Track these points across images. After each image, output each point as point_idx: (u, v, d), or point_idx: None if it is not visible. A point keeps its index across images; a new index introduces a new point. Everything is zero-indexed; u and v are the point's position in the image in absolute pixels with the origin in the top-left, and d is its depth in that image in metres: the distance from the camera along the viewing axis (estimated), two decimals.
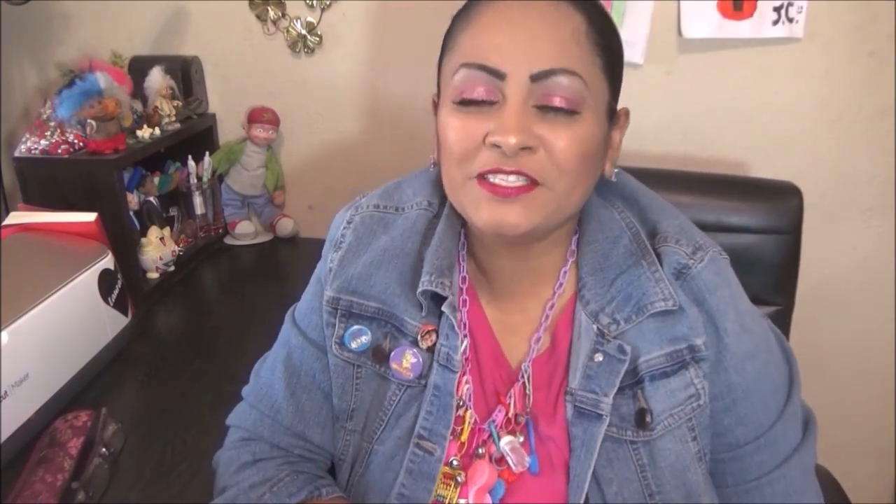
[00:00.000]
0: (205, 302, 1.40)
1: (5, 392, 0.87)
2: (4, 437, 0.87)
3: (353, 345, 0.74)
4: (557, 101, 0.61)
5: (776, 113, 1.34)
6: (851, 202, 1.37)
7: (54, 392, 0.97)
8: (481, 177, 0.63)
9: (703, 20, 1.28)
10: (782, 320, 1.08)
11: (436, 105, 0.72)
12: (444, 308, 0.70)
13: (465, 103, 0.64)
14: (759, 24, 1.27)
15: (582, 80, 0.62)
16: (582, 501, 0.65)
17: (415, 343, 0.72)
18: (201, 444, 0.93)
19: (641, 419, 0.66)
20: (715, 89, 1.34)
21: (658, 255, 0.69)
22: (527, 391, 0.70)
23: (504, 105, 0.62)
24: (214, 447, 0.81)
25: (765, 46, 1.29)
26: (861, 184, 1.35)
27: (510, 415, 0.70)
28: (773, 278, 1.07)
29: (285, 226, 1.58)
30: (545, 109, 0.62)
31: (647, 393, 0.67)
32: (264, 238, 1.59)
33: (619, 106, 0.69)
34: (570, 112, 0.62)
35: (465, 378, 0.71)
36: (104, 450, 0.88)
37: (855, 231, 1.38)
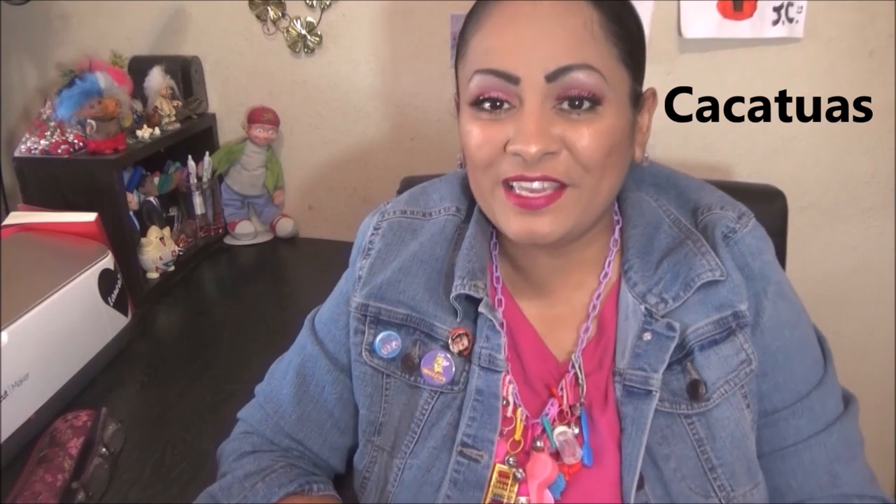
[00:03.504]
0: (205, 302, 1.40)
1: (5, 392, 0.87)
2: (4, 437, 0.87)
3: (384, 351, 0.72)
4: (576, 94, 0.60)
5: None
6: (851, 202, 1.37)
7: (54, 392, 0.97)
8: (507, 185, 0.63)
9: (703, 20, 1.28)
10: None
11: (458, 104, 0.71)
12: (481, 308, 0.69)
13: (480, 105, 0.63)
14: (759, 24, 1.27)
15: (599, 73, 0.60)
16: (636, 479, 0.63)
17: (446, 347, 0.71)
18: (201, 444, 0.93)
19: (695, 391, 0.65)
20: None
21: (705, 227, 0.69)
22: (579, 381, 0.69)
23: (522, 110, 0.61)
24: (214, 447, 0.81)
25: (765, 46, 1.29)
26: (861, 184, 1.35)
27: (564, 407, 0.69)
28: None
29: (285, 226, 1.58)
30: (564, 108, 0.61)
31: (699, 363, 0.66)
32: (264, 238, 1.59)
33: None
34: (589, 107, 0.61)
35: (507, 378, 0.69)
36: (104, 450, 0.88)
37: (855, 231, 1.38)
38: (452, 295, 0.70)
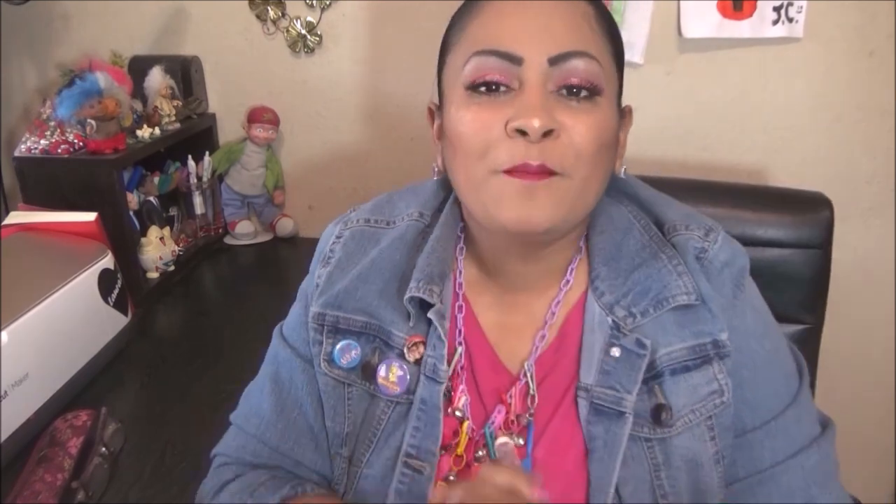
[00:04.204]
0: (205, 302, 1.40)
1: (5, 392, 0.87)
2: (4, 436, 0.87)
3: (344, 361, 0.70)
4: (577, 81, 0.59)
5: (776, 113, 1.34)
6: (851, 202, 1.37)
7: (54, 392, 0.97)
8: (505, 171, 0.60)
9: (703, 20, 1.28)
10: (811, 340, 1.02)
11: (432, 113, 0.70)
12: (430, 315, 0.67)
13: (478, 88, 0.61)
14: (759, 24, 1.27)
15: (599, 63, 0.60)
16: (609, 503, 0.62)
17: (401, 356, 0.68)
18: (201, 444, 0.93)
19: (659, 415, 0.63)
20: (715, 89, 1.34)
21: (674, 248, 0.67)
22: (530, 391, 0.67)
23: (523, 90, 0.59)
24: (214, 447, 0.81)
25: (765, 46, 1.29)
26: (861, 184, 1.35)
27: (511, 416, 0.66)
28: (801, 295, 1.01)
29: (285, 226, 1.58)
30: (564, 94, 0.60)
31: (667, 388, 0.64)
32: (264, 238, 1.59)
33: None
34: (589, 94, 0.60)
35: (460, 388, 0.68)
36: (104, 449, 0.88)
37: (855, 231, 1.38)
38: (406, 297, 0.67)
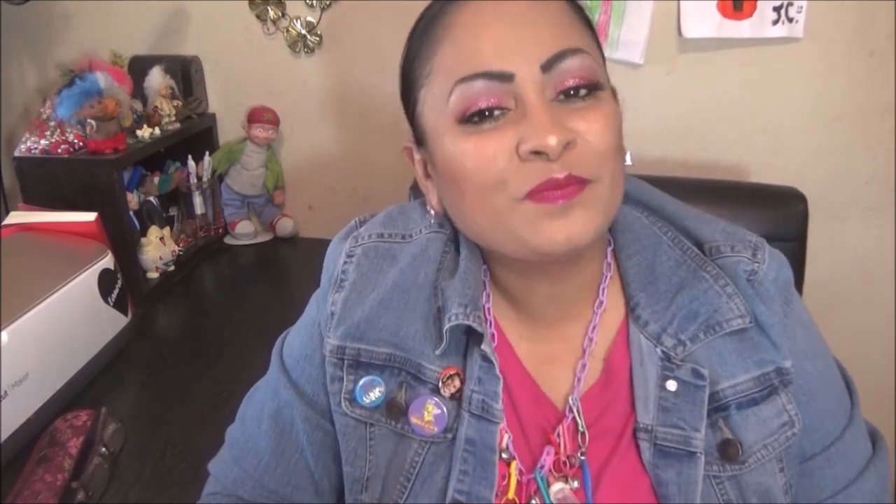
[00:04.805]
0: (205, 302, 1.40)
1: (5, 392, 0.87)
2: (4, 436, 0.87)
3: (366, 399, 0.63)
4: (576, 81, 0.55)
5: (776, 113, 1.34)
6: (851, 202, 1.37)
7: (54, 392, 0.97)
8: (534, 194, 0.54)
9: (703, 20, 1.28)
10: None
11: (410, 152, 0.64)
12: (484, 347, 0.60)
13: (473, 119, 0.55)
14: (759, 24, 1.27)
15: (590, 55, 0.56)
16: None
17: (436, 391, 0.62)
18: (201, 444, 0.93)
19: (728, 451, 0.58)
20: (715, 89, 1.34)
21: (720, 268, 0.62)
22: (579, 428, 0.61)
23: (523, 108, 0.54)
24: (214, 447, 0.80)
25: (765, 46, 1.29)
26: (861, 184, 1.35)
27: (562, 456, 0.61)
28: None
29: (285, 226, 1.58)
30: (566, 98, 0.55)
31: (734, 422, 0.59)
32: (264, 238, 1.59)
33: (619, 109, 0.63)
34: (590, 91, 0.55)
35: (502, 426, 0.61)
36: (104, 449, 0.88)
37: (855, 231, 1.38)
38: (447, 325, 0.61)
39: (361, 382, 0.64)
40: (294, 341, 0.71)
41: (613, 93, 0.61)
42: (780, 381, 0.60)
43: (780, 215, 0.83)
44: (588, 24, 0.60)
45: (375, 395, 0.64)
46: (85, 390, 1.05)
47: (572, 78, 0.55)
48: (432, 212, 0.65)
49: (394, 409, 0.63)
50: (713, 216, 0.67)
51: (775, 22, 1.26)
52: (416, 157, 0.64)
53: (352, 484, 0.65)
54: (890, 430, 1.51)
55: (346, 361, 0.65)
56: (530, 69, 0.54)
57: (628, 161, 0.63)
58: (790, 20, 1.26)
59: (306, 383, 0.69)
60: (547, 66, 0.54)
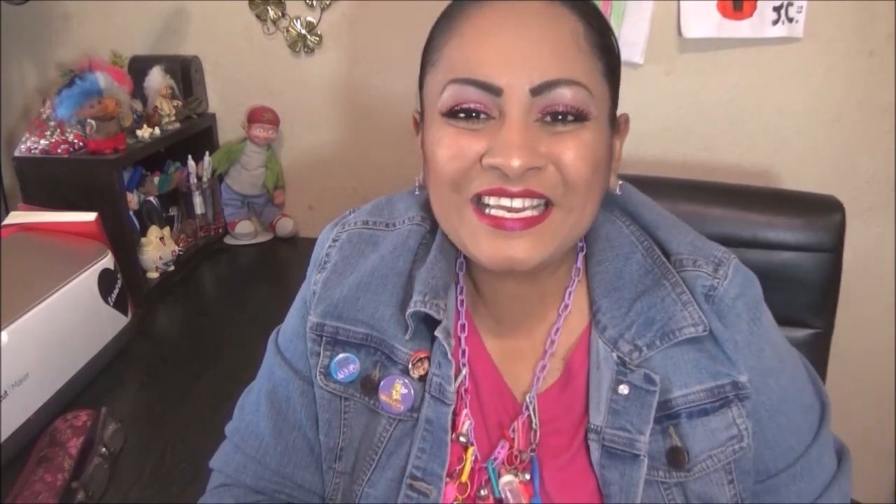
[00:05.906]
0: (205, 302, 1.40)
1: (5, 392, 0.87)
2: (4, 436, 0.87)
3: (340, 375, 0.67)
4: (563, 108, 0.56)
5: (776, 113, 1.34)
6: (851, 202, 1.36)
7: (54, 392, 0.97)
8: (478, 200, 0.57)
9: (703, 20, 1.28)
10: (821, 345, 1.00)
11: (417, 123, 0.67)
12: (437, 333, 0.63)
13: (455, 114, 0.57)
14: (759, 24, 1.27)
15: (586, 89, 0.56)
16: None
17: (405, 372, 0.65)
18: (201, 444, 0.93)
19: (676, 458, 0.60)
20: (715, 89, 1.34)
21: (682, 281, 0.63)
22: (533, 425, 0.64)
23: (503, 122, 0.55)
24: (214, 447, 0.80)
25: (765, 46, 1.29)
26: (861, 184, 1.35)
27: (514, 451, 0.64)
28: (811, 299, 0.98)
29: (285, 226, 1.58)
30: (549, 121, 0.56)
31: (683, 431, 0.61)
32: (264, 238, 1.59)
33: (619, 110, 0.63)
34: (575, 121, 0.56)
35: (464, 412, 0.65)
36: (104, 449, 0.88)
37: (855, 231, 1.38)
38: (408, 311, 0.64)
39: (337, 359, 0.68)
40: (287, 324, 0.75)
41: (619, 119, 0.63)
42: (736, 395, 0.61)
43: (816, 224, 0.81)
44: (603, 50, 0.59)
45: (350, 370, 0.67)
46: (85, 390, 1.05)
47: (560, 105, 0.56)
48: (418, 183, 0.68)
49: (367, 386, 0.67)
50: (688, 227, 0.67)
51: (775, 22, 1.26)
52: (419, 131, 0.67)
53: (326, 452, 0.69)
54: (890, 429, 1.51)
55: (324, 338, 0.68)
56: (520, 89, 0.55)
57: (617, 190, 0.65)
58: (790, 20, 1.26)
59: (299, 360, 0.71)
60: (537, 91, 0.55)
